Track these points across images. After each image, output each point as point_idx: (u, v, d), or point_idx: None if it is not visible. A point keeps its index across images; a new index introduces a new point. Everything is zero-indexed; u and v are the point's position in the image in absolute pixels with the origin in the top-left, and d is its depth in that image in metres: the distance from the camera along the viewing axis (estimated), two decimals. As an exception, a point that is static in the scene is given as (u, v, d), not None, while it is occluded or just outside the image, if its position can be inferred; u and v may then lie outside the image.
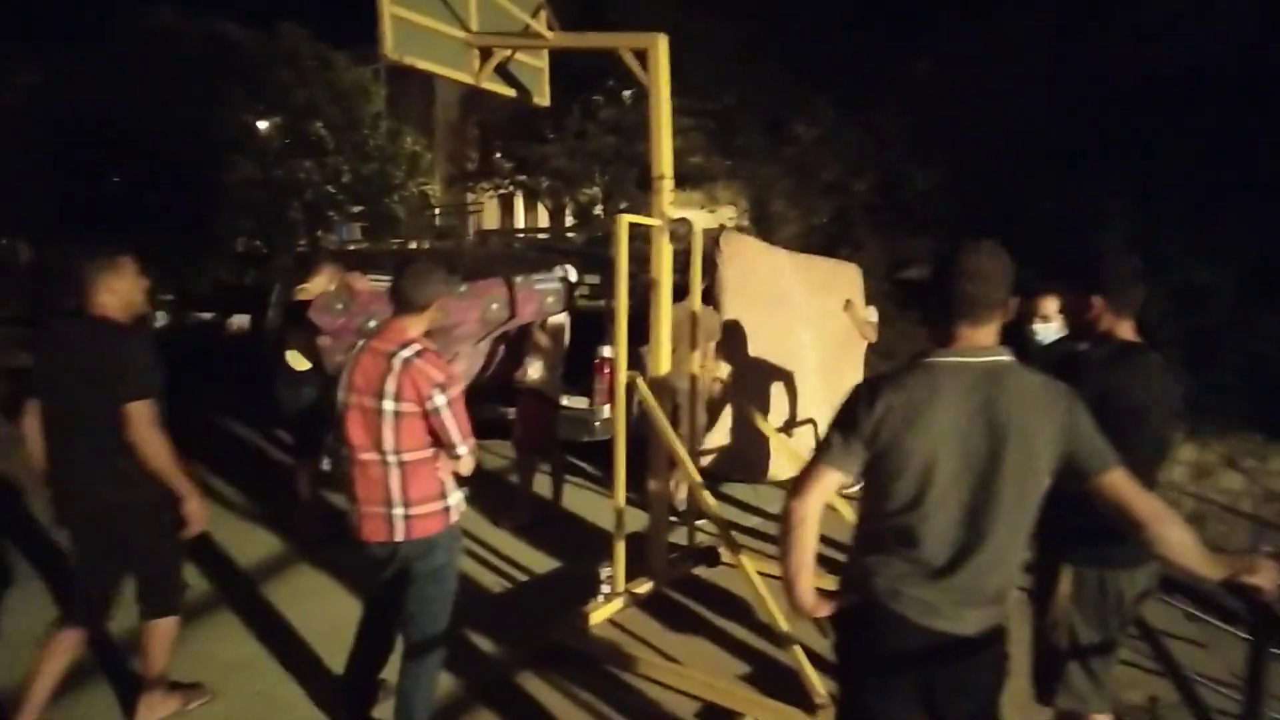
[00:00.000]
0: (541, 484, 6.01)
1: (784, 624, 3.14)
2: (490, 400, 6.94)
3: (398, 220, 23.67)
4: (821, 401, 6.06)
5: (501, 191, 23.67)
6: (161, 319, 12.59)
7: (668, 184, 3.79)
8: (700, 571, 4.48)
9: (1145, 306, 2.86)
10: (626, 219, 3.51)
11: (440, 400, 2.33)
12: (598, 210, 16.48)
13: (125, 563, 2.90)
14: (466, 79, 4.39)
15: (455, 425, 2.38)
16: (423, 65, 4.06)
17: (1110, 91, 12.03)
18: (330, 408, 5.09)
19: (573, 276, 5.52)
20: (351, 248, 24.78)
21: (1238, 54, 10.25)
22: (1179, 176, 10.40)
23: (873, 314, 6.60)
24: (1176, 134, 10.61)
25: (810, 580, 1.93)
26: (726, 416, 5.78)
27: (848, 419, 1.97)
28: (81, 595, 2.93)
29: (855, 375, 6.37)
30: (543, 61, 4.90)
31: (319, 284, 5.76)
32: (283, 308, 5.23)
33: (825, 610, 1.94)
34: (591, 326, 7.03)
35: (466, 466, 2.56)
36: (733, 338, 5.62)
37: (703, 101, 15.27)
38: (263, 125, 21.67)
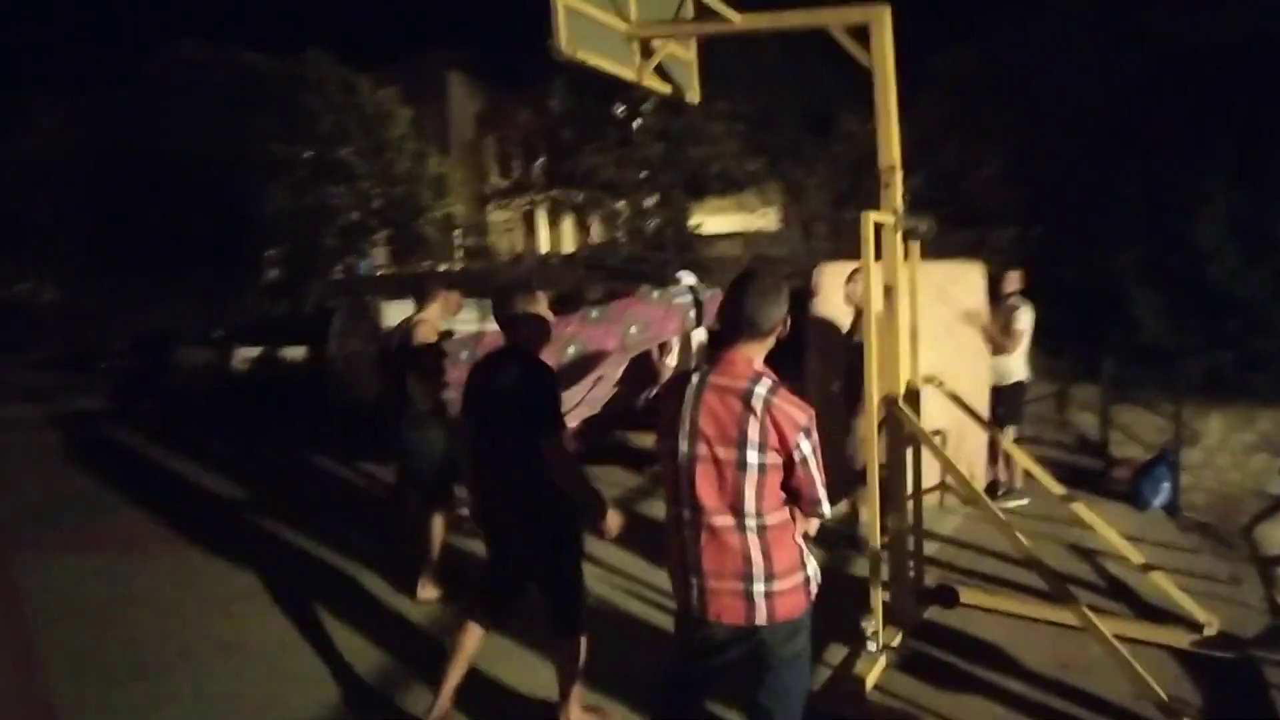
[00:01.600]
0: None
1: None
2: (613, 425, 6.48)
3: (428, 243, 23.43)
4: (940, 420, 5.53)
5: (526, 208, 23.43)
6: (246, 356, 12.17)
7: (898, 175, 3.33)
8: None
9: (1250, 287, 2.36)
10: (872, 216, 3.05)
11: (806, 447, 1.85)
12: (653, 222, 16.03)
13: (533, 574, 2.87)
14: (629, 75, 3.96)
15: (819, 476, 1.89)
16: (593, 61, 3.62)
17: (1189, 63, 11.51)
18: (458, 452, 4.51)
19: (694, 282, 5.07)
20: (380, 273, 24.58)
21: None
22: (1281, 150, 9.92)
23: (1023, 317, 6.01)
24: (1275, 103, 10.12)
25: None
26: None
27: None
28: (490, 595, 2.93)
29: (980, 391, 5.77)
30: (692, 55, 4.47)
31: (435, 313, 5.36)
32: (400, 341, 4.63)
33: None
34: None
35: (815, 527, 2.08)
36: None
37: (742, 101, 14.88)
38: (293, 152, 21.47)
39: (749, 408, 1.93)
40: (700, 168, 14.64)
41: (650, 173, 14.92)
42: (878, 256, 3.28)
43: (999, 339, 5.90)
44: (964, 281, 5.99)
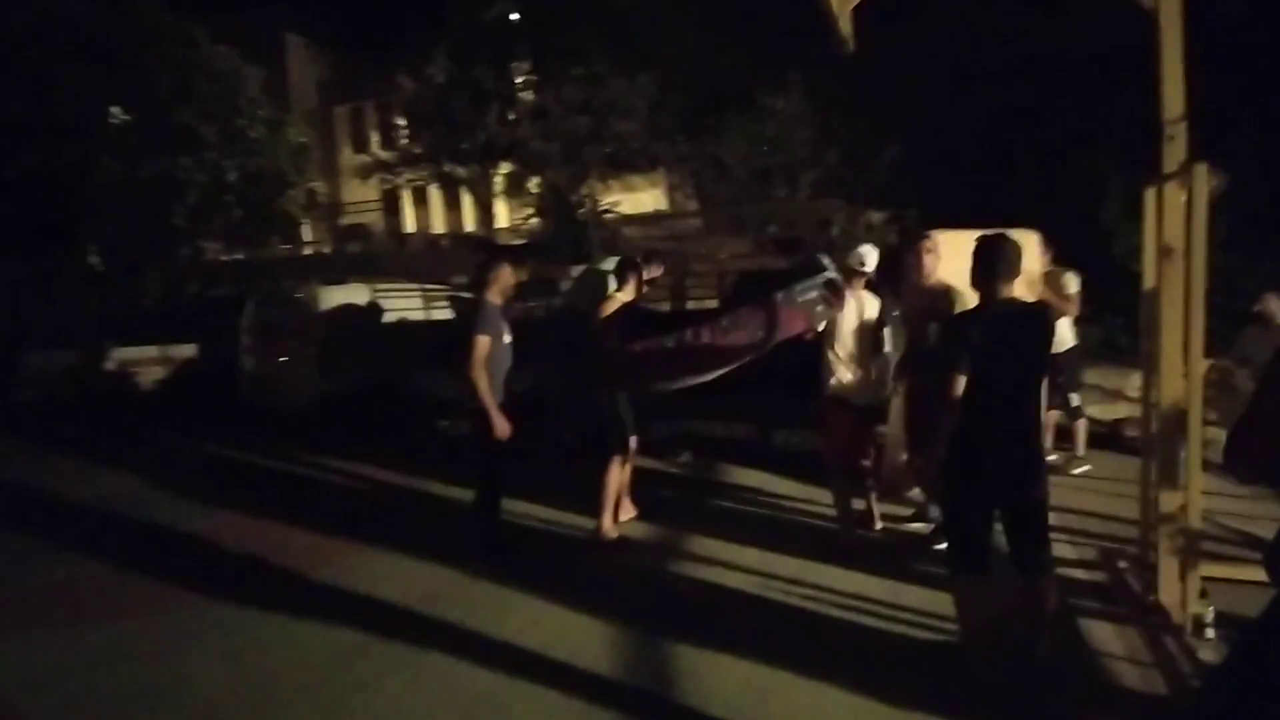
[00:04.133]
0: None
1: None
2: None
3: (294, 222, 20.85)
4: None
5: (416, 183, 21.56)
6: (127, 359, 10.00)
7: (1181, 131, 3.12)
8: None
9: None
10: (1153, 191, 2.81)
11: None
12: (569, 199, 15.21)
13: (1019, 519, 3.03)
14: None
15: None
16: None
17: (1080, 60, 12.65)
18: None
19: (832, 273, 4.69)
20: (240, 256, 21.60)
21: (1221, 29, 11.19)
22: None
23: (1072, 283, 6.23)
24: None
25: None
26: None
27: None
28: (974, 546, 3.04)
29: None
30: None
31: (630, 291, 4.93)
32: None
33: None
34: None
35: None
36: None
37: (661, 75, 14.53)
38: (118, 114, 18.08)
39: None
40: (622, 144, 14.10)
41: (572, 147, 14.09)
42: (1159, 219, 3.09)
43: (1058, 304, 6.02)
44: (1026, 249, 6.08)
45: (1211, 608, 2.97)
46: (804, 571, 4.29)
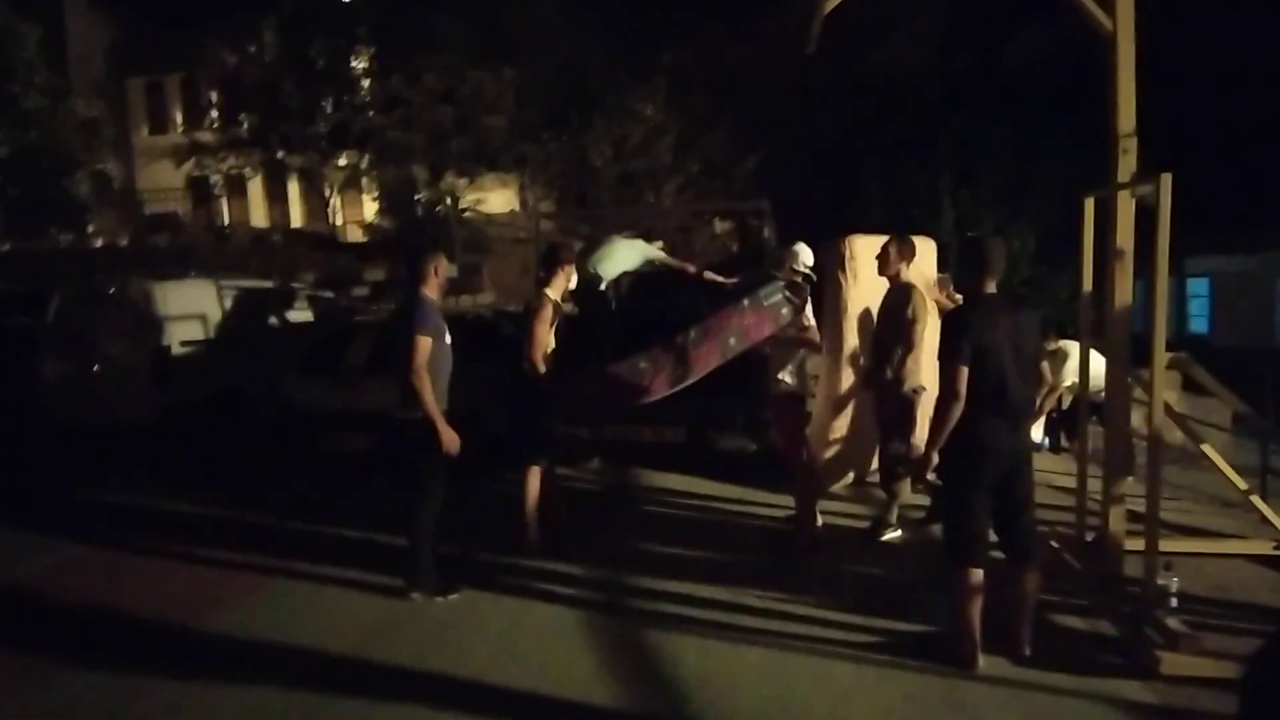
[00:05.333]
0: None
1: None
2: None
3: (82, 208, 17.84)
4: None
5: (233, 171, 19.25)
6: None
7: (1133, 144, 3.38)
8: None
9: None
10: (1091, 200, 3.04)
11: None
12: (424, 195, 14.25)
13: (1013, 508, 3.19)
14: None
15: None
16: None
17: (916, 88, 13.95)
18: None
19: (808, 260, 4.68)
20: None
21: (1037, 65, 12.83)
22: (993, 161, 12.61)
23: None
24: (990, 127, 12.80)
25: None
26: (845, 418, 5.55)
27: None
28: (978, 535, 3.17)
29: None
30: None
31: (560, 285, 4.55)
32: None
33: None
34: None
35: None
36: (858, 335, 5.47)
37: (525, 70, 14.21)
38: None
39: None
40: (487, 138, 13.47)
41: (436, 139, 13.25)
42: (1099, 229, 3.37)
43: (947, 306, 6.50)
44: (926, 255, 6.49)
45: (1175, 579, 3.26)
46: (763, 573, 4.24)
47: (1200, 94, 15.97)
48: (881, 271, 4.67)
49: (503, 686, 3.22)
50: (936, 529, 4.76)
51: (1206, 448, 3.88)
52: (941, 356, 3.18)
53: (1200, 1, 15.36)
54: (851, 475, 5.93)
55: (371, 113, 12.86)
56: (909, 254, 4.64)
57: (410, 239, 14.31)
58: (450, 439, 3.96)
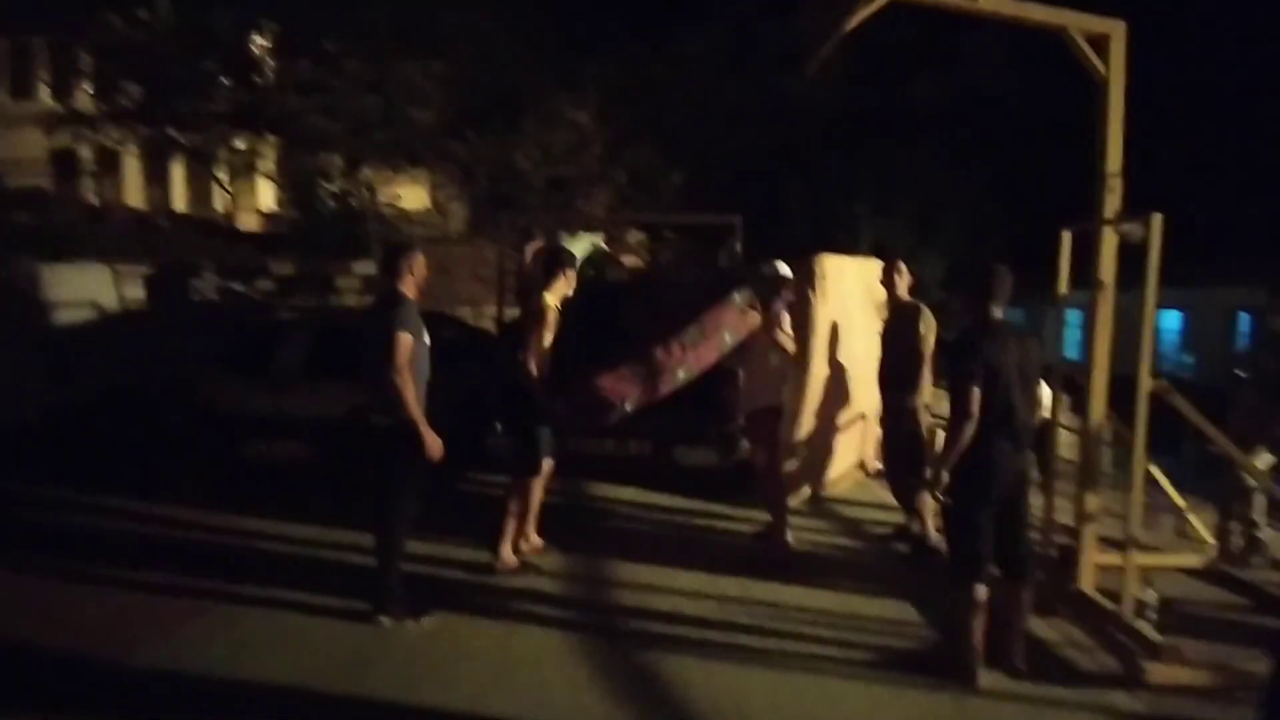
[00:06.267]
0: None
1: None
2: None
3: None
4: (867, 401, 6.28)
5: (110, 145, 17.40)
6: None
7: (1118, 183, 3.58)
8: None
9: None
10: (1068, 234, 3.22)
11: None
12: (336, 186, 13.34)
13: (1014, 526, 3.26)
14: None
15: None
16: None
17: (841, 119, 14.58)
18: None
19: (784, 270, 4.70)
20: None
21: (958, 98, 13.61)
22: (910, 188, 13.32)
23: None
24: (906, 160, 13.54)
25: None
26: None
27: None
28: (984, 553, 3.21)
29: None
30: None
31: (560, 291, 4.29)
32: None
33: None
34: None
35: None
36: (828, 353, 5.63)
37: (457, 66, 13.82)
38: None
39: None
40: (414, 132, 12.86)
41: (360, 129, 12.52)
42: (1075, 259, 3.57)
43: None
44: (871, 276, 6.69)
45: (1153, 592, 3.46)
46: (746, 589, 4.19)
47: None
48: (886, 291, 4.78)
49: (503, 717, 2.99)
50: (903, 545, 4.96)
51: (1153, 468, 4.17)
52: (954, 378, 3.25)
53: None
54: (807, 489, 6.00)
55: (292, 95, 11.97)
56: (912, 275, 4.77)
57: (318, 233, 13.49)
58: (434, 444, 3.69)
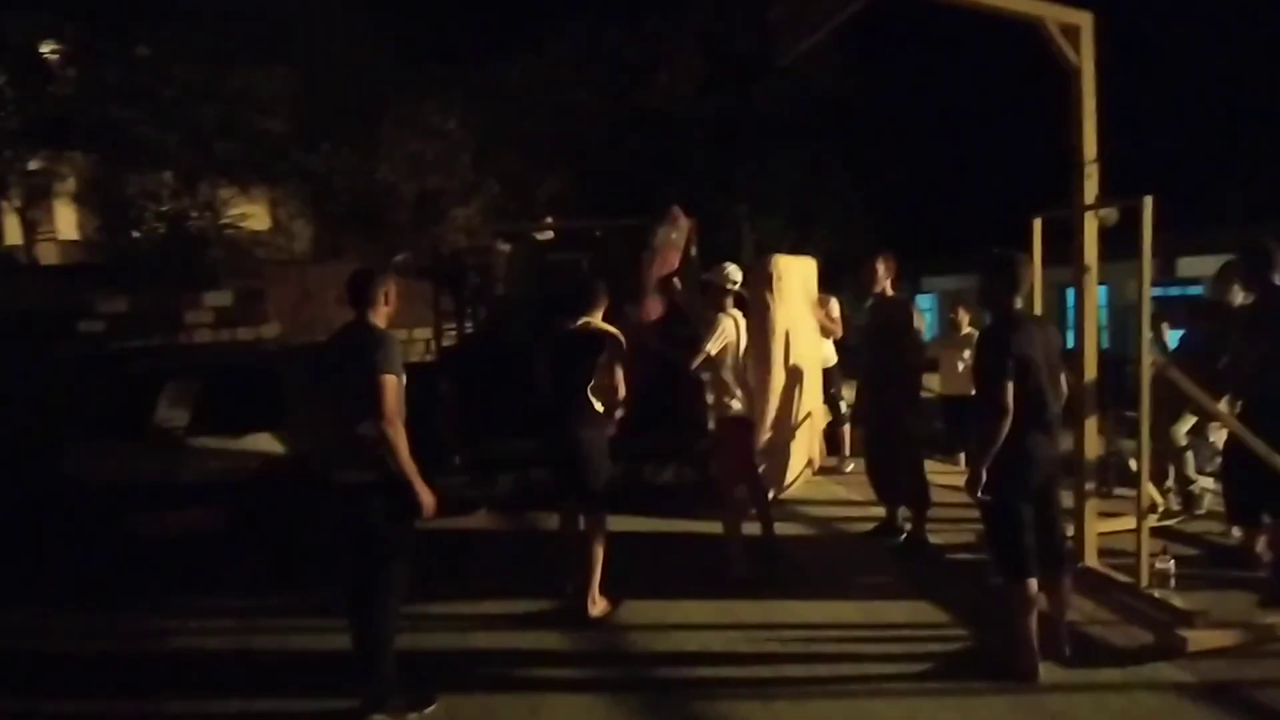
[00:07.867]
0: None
1: None
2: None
3: None
4: (813, 399, 6.35)
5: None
6: None
7: (1095, 169, 3.67)
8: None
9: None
10: (1038, 221, 3.33)
11: None
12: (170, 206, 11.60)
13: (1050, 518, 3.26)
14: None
15: None
16: None
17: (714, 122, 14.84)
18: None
19: (737, 278, 4.49)
20: None
21: (820, 105, 14.20)
22: (787, 189, 13.71)
23: (835, 307, 6.95)
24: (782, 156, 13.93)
25: None
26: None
27: None
28: (1030, 547, 3.17)
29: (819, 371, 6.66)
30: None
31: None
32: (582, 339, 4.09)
33: None
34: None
35: None
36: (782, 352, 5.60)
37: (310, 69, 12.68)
38: None
39: None
40: (260, 144, 11.50)
41: (197, 141, 11.01)
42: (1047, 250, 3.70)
43: (827, 325, 6.77)
44: (808, 271, 6.69)
45: (1172, 560, 3.60)
46: (768, 613, 3.96)
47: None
48: (869, 288, 4.69)
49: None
50: (890, 540, 4.95)
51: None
52: (984, 372, 3.19)
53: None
54: (771, 493, 5.88)
55: (112, 105, 10.27)
56: (895, 269, 4.72)
57: (149, 261, 11.75)
58: (429, 501, 3.14)
